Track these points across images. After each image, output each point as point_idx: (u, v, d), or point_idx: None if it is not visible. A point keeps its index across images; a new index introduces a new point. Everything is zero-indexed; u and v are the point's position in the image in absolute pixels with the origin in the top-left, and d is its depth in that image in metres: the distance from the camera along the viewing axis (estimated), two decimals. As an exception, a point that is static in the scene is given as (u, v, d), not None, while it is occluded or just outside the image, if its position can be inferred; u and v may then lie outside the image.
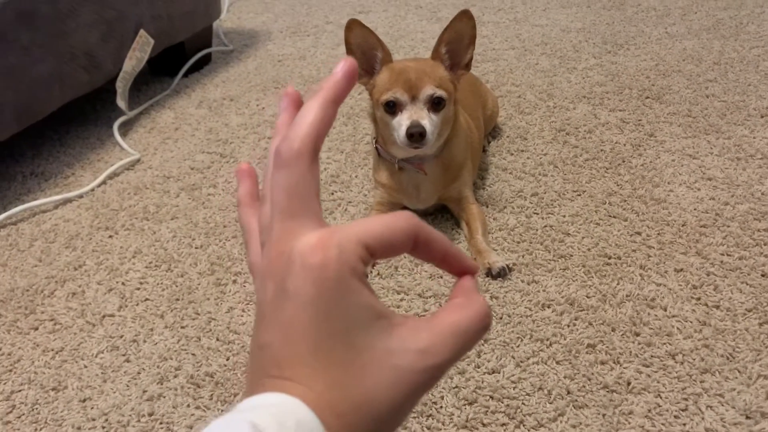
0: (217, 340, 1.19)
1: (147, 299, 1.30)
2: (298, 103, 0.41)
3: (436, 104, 1.29)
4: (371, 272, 1.31)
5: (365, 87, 1.37)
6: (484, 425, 0.99)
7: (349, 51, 1.32)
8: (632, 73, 2.11)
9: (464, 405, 1.02)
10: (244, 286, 1.30)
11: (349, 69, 0.38)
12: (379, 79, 1.32)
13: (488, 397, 1.03)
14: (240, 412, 0.30)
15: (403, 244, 0.36)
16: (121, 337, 1.22)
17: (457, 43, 1.33)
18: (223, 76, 2.34)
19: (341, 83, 0.38)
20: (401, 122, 1.28)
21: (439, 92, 1.29)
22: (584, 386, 1.04)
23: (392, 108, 1.30)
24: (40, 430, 1.05)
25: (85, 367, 1.16)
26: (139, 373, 1.14)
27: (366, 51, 1.33)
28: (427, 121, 1.27)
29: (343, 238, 0.33)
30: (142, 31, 1.99)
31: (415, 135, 1.25)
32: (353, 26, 1.30)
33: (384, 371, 0.32)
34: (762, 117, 1.78)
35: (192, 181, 1.69)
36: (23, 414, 1.08)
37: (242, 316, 1.23)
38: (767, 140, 1.66)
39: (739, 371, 1.05)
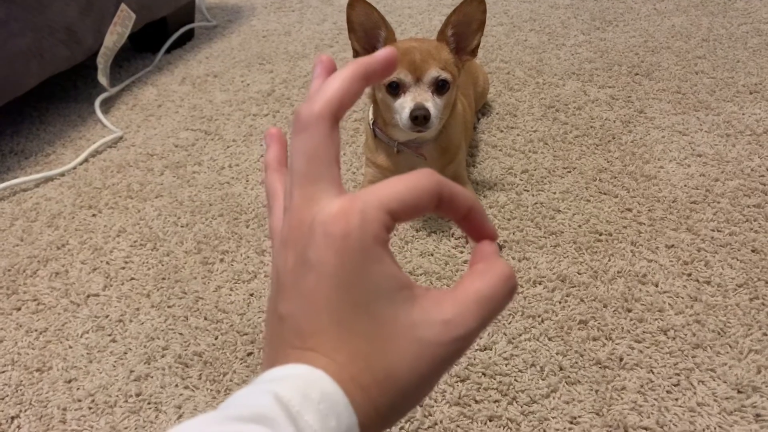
0: (205, 319, 1.17)
1: (132, 278, 1.28)
2: (331, 71, 0.40)
3: (440, 87, 1.24)
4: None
5: None
6: (476, 402, 0.99)
7: (351, 29, 1.27)
8: (621, 49, 2.09)
9: (456, 382, 1.01)
10: (232, 265, 1.28)
11: (389, 56, 0.38)
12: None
13: (480, 374, 1.02)
14: (263, 383, 0.30)
15: (427, 204, 0.34)
16: (107, 316, 1.19)
17: (464, 27, 1.27)
18: (207, 52, 2.29)
19: (377, 65, 0.38)
20: (404, 104, 1.22)
21: (444, 75, 1.23)
22: (576, 362, 1.03)
23: (395, 89, 1.24)
24: (25, 411, 1.03)
25: (70, 347, 1.13)
26: (125, 353, 1.12)
27: (368, 29, 1.27)
28: (431, 104, 1.22)
29: (365, 204, 0.32)
30: (123, 5, 1.93)
31: (419, 118, 1.20)
32: (356, 3, 1.25)
33: (408, 344, 0.32)
34: (751, 93, 1.77)
35: (176, 159, 1.66)
36: (7, 396, 1.05)
37: (230, 295, 1.21)
38: (756, 116, 1.66)
39: (730, 346, 1.05)
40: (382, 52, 0.38)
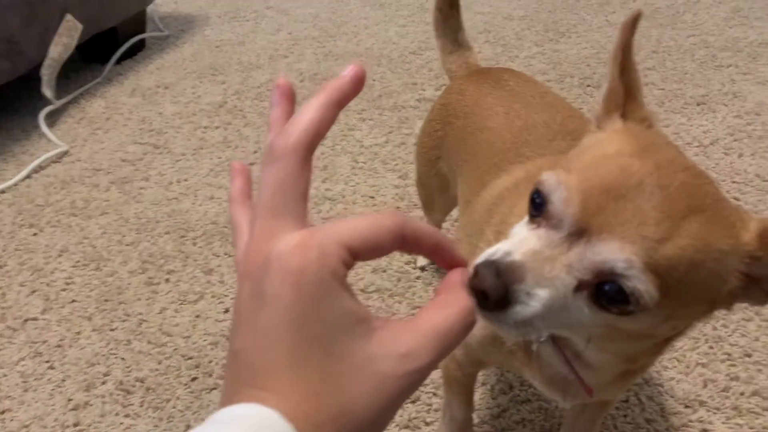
0: (149, 342, 1.13)
1: (74, 301, 1.23)
2: (290, 96, 0.40)
3: (613, 298, 0.48)
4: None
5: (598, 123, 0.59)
6: (426, 424, 0.97)
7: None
8: (574, 61, 2.12)
9: (406, 404, 1.00)
10: (178, 285, 1.25)
11: (357, 74, 0.38)
12: (572, 152, 0.58)
13: (431, 394, 1.01)
14: (214, 423, 0.29)
15: (389, 244, 0.34)
16: (45, 342, 1.15)
17: None
18: (158, 62, 2.24)
19: (347, 86, 0.37)
20: (512, 242, 0.52)
21: (642, 283, 0.46)
22: (525, 382, 1.02)
23: (538, 208, 0.52)
24: (-46, 446, 0.98)
25: (5, 375, 1.08)
26: (63, 380, 1.07)
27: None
28: (546, 292, 0.48)
29: (324, 239, 0.32)
30: (68, 16, 1.88)
31: (482, 291, 0.48)
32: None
33: (365, 378, 0.31)
34: (698, 105, 1.80)
35: (123, 174, 1.61)
36: (-65, 429, 1.00)
37: (175, 317, 1.18)
38: (703, 128, 1.69)
39: (678, 360, 1.05)
40: (347, 71, 0.38)
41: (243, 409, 0.30)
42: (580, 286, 0.47)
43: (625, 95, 0.56)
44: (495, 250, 0.49)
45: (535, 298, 0.47)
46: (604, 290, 0.47)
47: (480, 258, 0.48)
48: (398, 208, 1.44)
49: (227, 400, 0.31)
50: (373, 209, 1.43)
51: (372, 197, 1.47)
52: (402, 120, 1.78)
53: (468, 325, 0.35)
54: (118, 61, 2.23)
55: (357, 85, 0.38)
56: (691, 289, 0.49)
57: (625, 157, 0.49)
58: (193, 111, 1.90)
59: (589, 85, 1.95)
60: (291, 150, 0.35)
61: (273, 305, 0.31)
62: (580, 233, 0.47)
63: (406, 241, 0.35)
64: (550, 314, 0.48)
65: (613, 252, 0.46)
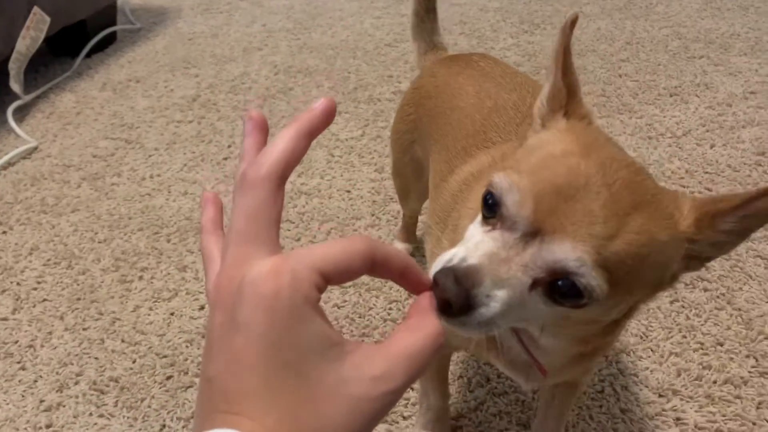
0: (122, 341, 1.11)
1: (45, 300, 1.21)
2: (262, 127, 0.41)
3: (566, 294, 0.51)
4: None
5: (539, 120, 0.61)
6: (404, 418, 0.97)
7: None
8: (548, 53, 2.11)
9: (384, 398, 1.00)
10: (151, 283, 1.23)
11: (327, 107, 0.39)
12: (520, 151, 0.60)
13: (408, 389, 1.01)
14: None
15: (360, 268, 0.35)
16: (16, 342, 1.12)
17: None
18: (129, 56, 2.21)
19: (318, 119, 0.38)
20: (467, 246, 0.53)
21: (593, 279, 0.49)
22: (501, 374, 1.03)
23: (491, 209, 0.53)
24: None
25: (-26, 377, 1.06)
26: (35, 381, 1.05)
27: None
28: (504, 293, 0.50)
29: (296, 264, 0.33)
30: (36, 9, 1.84)
31: (445, 300, 0.48)
32: None
33: (339, 401, 0.32)
34: (671, 96, 1.82)
35: (94, 170, 1.58)
36: None
37: (149, 314, 1.16)
38: (676, 119, 1.71)
39: (652, 350, 1.07)
40: (318, 103, 0.39)
41: None
42: (535, 284, 0.50)
43: (567, 94, 0.58)
44: (451, 256, 0.50)
45: (495, 299, 0.49)
46: (558, 286, 0.49)
47: (437, 265, 0.49)
48: (374, 202, 1.43)
49: (199, 428, 0.31)
50: (349, 203, 1.43)
51: (348, 191, 1.47)
52: (378, 113, 1.77)
53: (438, 347, 0.36)
54: (88, 55, 2.19)
55: (327, 117, 0.39)
56: (638, 279, 0.52)
57: (571, 158, 0.52)
58: (166, 105, 1.87)
59: (563, 77, 1.96)
60: (263, 179, 0.36)
61: (246, 331, 0.32)
62: (533, 233, 0.50)
63: (376, 265, 0.36)
64: (510, 312, 0.50)
65: (566, 251, 0.48)
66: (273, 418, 0.31)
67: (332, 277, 0.34)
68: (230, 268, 0.34)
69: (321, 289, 0.33)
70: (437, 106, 0.99)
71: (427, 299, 0.40)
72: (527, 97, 0.91)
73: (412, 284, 0.40)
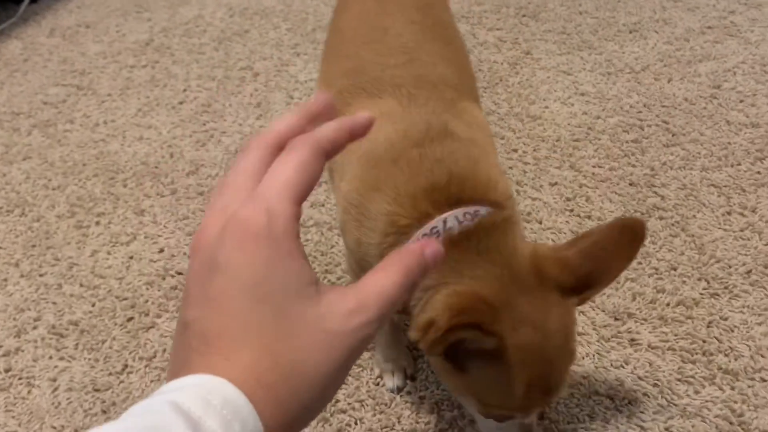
0: (81, 285, 1.10)
1: (-1, 248, 1.19)
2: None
3: None
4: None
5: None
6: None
7: None
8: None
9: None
10: (108, 228, 1.21)
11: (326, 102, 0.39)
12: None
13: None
14: (161, 393, 0.29)
15: (321, 168, 0.35)
16: (-30, 290, 1.10)
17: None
18: (78, 1, 2.12)
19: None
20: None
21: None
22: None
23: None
24: None
25: (-72, 326, 1.04)
26: (-8, 327, 1.04)
27: None
28: None
29: (270, 201, 0.33)
30: (-27, -51, 1.75)
31: None
32: None
33: (316, 337, 0.32)
34: (630, 32, 1.82)
35: (45, 117, 1.53)
36: None
37: (107, 259, 1.15)
38: (635, 54, 1.71)
39: (608, 277, 1.09)
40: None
41: (191, 380, 0.30)
42: None
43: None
44: None
45: None
46: None
47: None
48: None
49: (177, 372, 0.31)
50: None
51: (308, 132, 1.45)
52: (337, 54, 1.74)
53: (410, 282, 0.36)
54: (34, 0, 2.09)
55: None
56: None
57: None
58: (118, 50, 1.81)
59: (524, 15, 1.94)
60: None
61: (227, 273, 0.32)
62: None
63: (329, 152, 0.36)
64: None
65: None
66: (250, 355, 0.31)
67: (304, 194, 0.34)
68: (218, 212, 0.34)
69: (298, 216, 0.34)
70: (330, 24, 0.85)
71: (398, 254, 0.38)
72: (419, 33, 0.74)
73: (356, 132, 0.38)
